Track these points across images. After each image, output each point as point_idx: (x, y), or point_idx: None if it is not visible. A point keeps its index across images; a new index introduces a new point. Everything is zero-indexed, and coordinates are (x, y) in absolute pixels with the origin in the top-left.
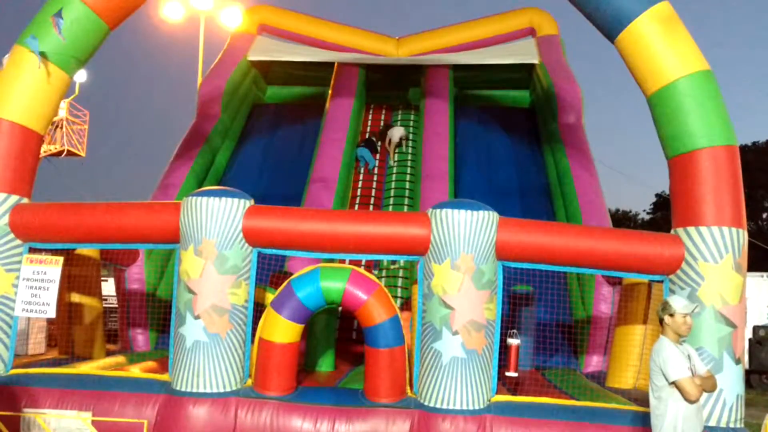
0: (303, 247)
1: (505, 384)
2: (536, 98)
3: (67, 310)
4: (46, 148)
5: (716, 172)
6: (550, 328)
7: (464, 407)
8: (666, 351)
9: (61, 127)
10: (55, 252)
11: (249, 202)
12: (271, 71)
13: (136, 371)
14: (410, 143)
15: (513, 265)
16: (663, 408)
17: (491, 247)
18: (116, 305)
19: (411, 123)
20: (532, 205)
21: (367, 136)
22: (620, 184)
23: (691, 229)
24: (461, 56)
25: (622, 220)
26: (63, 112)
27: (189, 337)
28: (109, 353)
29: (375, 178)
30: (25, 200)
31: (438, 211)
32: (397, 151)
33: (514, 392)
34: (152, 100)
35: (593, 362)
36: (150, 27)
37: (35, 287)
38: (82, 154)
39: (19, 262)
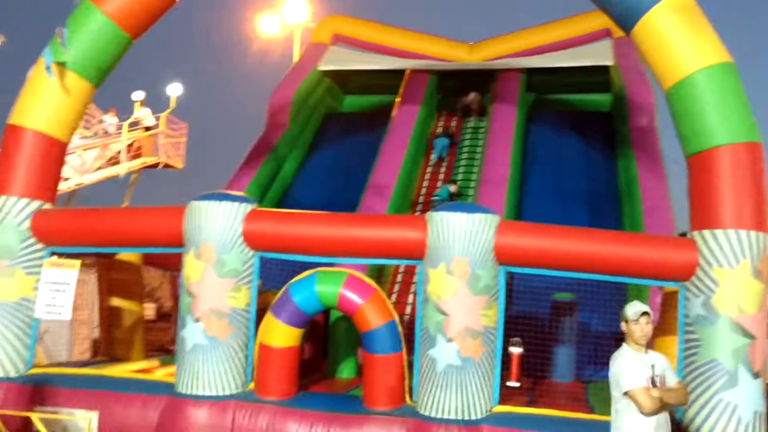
0: (301, 251)
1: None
2: (614, 101)
3: (108, 315)
4: (142, 161)
5: (736, 170)
6: (605, 338)
7: (460, 417)
8: (621, 359)
9: (157, 140)
10: (74, 256)
11: (250, 206)
12: (348, 81)
13: (150, 373)
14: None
15: (516, 270)
16: (619, 421)
17: (488, 251)
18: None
19: (482, 129)
20: (600, 211)
21: (440, 130)
22: None
23: (707, 232)
24: (533, 60)
25: None
26: (148, 123)
27: (189, 339)
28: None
29: (440, 184)
30: (48, 205)
31: (435, 214)
32: (472, 120)
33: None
34: (247, 112)
35: None
36: (246, 40)
37: (54, 290)
38: (180, 166)
39: (40, 265)
